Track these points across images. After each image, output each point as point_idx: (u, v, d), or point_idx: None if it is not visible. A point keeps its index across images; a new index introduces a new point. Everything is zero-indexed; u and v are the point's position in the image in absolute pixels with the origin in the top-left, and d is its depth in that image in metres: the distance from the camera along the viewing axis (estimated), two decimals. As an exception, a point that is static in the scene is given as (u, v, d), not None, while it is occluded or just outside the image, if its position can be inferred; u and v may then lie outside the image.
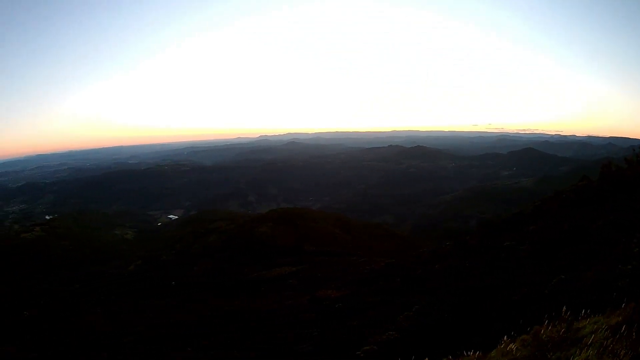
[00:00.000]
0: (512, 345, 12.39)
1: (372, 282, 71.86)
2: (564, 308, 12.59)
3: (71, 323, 70.65)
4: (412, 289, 62.25)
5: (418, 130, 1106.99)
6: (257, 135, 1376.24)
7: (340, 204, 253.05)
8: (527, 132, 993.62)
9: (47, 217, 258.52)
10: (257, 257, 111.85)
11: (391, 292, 63.18)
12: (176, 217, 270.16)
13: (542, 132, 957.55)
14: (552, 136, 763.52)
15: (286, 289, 79.42)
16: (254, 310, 68.62)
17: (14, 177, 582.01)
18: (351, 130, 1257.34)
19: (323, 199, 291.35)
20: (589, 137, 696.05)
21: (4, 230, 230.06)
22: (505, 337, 12.23)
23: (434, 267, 72.68)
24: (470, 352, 14.51)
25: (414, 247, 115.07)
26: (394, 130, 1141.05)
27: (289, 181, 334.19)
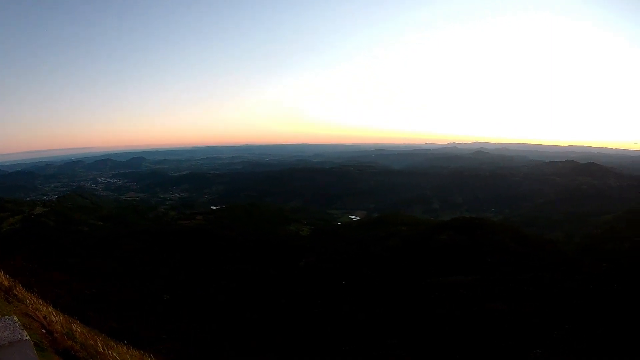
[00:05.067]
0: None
1: (535, 298, 77.25)
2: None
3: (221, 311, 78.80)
4: (568, 307, 70.10)
5: (591, 146, 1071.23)
6: (446, 142, 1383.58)
7: (519, 217, 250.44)
8: None
9: (213, 207, 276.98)
10: (433, 263, 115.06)
11: (549, 309, 69.99)
12: (358, 218, 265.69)
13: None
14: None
15: (457, 298, 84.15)
16: (422, 317, 75.21)
17: (176, 166, 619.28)
18: (533, 143, 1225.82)
19: (504, 211, 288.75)
20: None
21: (157, 216, 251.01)
22: None
23: (589, 287, 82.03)
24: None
25: (576, 266, 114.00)
26: (571, 145, 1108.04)
27: (474, 190, 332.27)
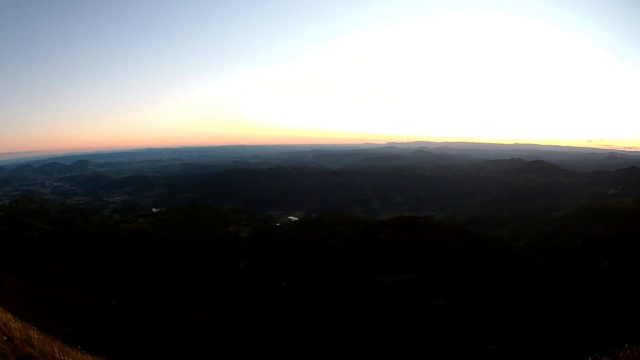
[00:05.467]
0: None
1: (482, 295, 76.17)
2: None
3: (166, 314, 75.71)
4: (518, 303, 68.86)
5: (538, 144, 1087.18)
6: (385, 142, 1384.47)
7: (462, 215, 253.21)
8: (632, 150, 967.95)
9: (154, 210, 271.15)
10: (374, 263, 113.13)
11: (498, 306, 68.41)
12: (297, 218, 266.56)
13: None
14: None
15: (399, 297, 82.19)
16: (364, 315, 72.72)
17: (119, 169, 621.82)
18: (477, 142, 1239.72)
19: (446, 209, 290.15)
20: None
21: (101, 219, 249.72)
22: (590, 358, 15.27)
23: (541, 283, 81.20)
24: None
25: (525, 263, 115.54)
26: (517, 143, 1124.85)
27: (414, 189, 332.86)
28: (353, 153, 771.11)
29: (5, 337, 16.90)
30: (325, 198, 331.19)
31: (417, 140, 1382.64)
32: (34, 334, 21.00)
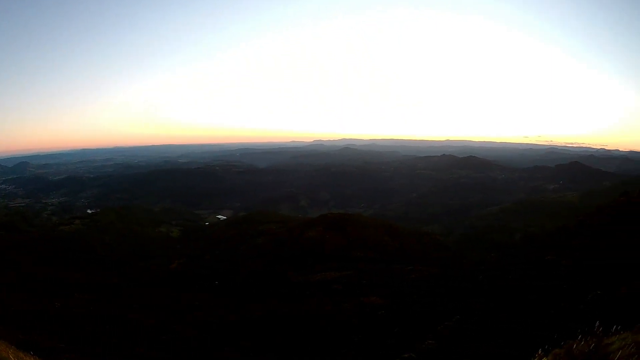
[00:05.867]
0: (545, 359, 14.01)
1: (416, 291, 74.26)
2: (597, 323, 12.97)
3: (106, 316, 75.56)
4: (455, 299, 66.73)
5: (471, 140, 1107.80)
6: (312, 140, 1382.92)
7: (391, 212, 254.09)
8: (574, 145, 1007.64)
9: (89, 211, 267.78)
10: (304, 260, 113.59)
11: (434, 301, 66.49)
12: (225, 217, 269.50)
13: (588, 145, 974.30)
14: (597, 150, 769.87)
15: (331, 294, 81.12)
16: (295, 314, 70.50)
17: (56, 170, 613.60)
18: (406, 138, 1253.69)
19: (374, 206, 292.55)
20: (631, 152, 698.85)
21: (41, 221, 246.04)
22: (540, 350, 14.46)
23: (478, 277, 78.50)
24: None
25: (459, 258, 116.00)
26: (448, 140, 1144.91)
27: (342, 187, 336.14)
28: (280, 151, 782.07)
29: None
30: (253, 196, 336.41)
31: (344, 137, 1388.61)
32: (-9, 340, 20.31)
